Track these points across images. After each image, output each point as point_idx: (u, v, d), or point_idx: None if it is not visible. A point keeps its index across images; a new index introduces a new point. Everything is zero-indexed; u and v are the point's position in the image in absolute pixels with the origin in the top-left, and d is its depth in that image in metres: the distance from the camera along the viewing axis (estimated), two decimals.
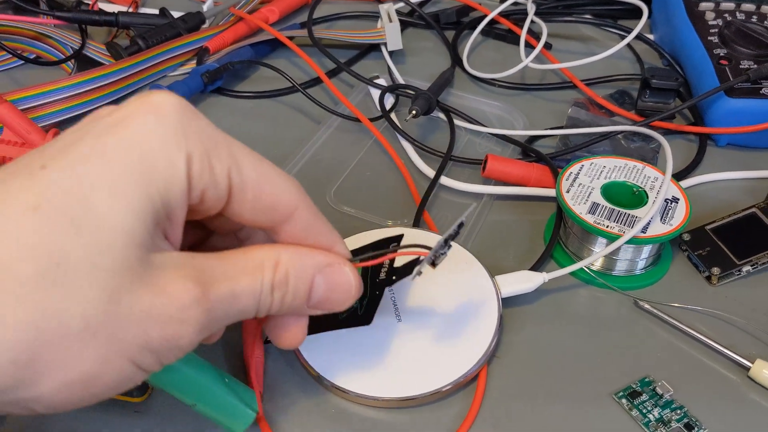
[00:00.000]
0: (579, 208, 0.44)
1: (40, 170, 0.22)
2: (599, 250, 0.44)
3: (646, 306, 0.42)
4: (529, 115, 0.58)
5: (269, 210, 0.27)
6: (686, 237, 0.46)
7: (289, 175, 0.28)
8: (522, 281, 0.42)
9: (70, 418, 0.35)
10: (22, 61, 0.61)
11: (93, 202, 0.22)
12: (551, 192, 0.49)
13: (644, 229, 0.42)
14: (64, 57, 0.60)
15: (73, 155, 0.23)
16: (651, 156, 0.53)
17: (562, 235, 0.46)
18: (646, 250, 0.44)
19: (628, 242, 0.42)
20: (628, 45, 0.63)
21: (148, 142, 0.23)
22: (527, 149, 0.53)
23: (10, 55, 0.60)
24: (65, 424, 0.35)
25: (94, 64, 0.59)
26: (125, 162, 0.23)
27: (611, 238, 0.42)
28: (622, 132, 0.53)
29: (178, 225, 0.25)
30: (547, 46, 0.65)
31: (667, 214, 0.43)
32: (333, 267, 0.29)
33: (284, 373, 0.38)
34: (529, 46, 0.63)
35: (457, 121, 0.55)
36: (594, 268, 0.45)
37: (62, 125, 0.55)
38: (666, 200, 0.44)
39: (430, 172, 0.51)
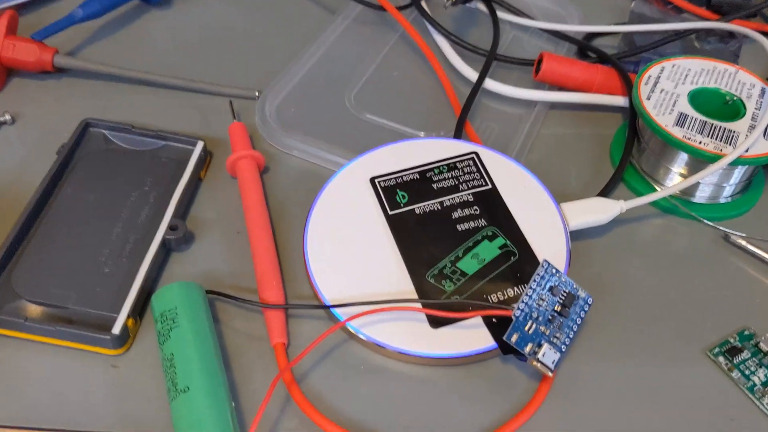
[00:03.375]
0: (663, 119, 0.35)
1: None
2: (683, 171, 0.36)
3: (741, 242, 0.35)
4: (583, 9, 0.48)
5: None
6: None
7: None
8: (594, 211, 0.34)
9: (47, 369, 0.29)
10: None
11: None
12: (619, 100, 0.40)
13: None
14: None
15: None
16: (731, 60, 0.44)
17: (634, 153, 0.38)
18: (738, 174, 0.36)
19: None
20: None
21: None
22: (587, 48, 0.44)
23: None
24: (42, 374, 0.29)
25: None
26: None
27: (707, 157, 0.34)
28: (704, 29, 0.44)
29: None
30: None
31: None
32: None
33: (310, 327, 0.31)
34: None
35: (501, 14, 0.46)
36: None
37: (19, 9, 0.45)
38: None
39: (472, 74, 0.42)
